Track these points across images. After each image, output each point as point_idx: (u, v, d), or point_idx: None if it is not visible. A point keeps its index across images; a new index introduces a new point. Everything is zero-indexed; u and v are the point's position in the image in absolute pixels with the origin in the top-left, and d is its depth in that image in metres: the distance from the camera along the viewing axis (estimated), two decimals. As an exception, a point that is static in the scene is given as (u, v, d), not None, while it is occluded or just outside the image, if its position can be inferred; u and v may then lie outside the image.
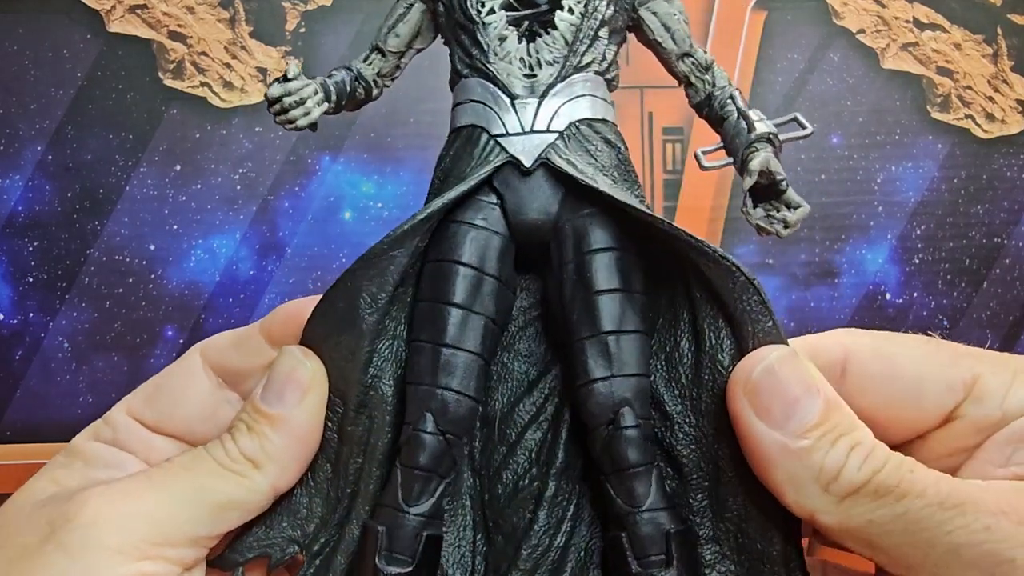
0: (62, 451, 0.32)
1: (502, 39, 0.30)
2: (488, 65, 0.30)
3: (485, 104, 0.30)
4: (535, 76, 0.30)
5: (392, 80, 0.35)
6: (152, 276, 0.64)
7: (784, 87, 0.67)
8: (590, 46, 0.30)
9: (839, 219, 0.67)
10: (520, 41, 0.30)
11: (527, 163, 0.29)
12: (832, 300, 0.67)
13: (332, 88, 0.35)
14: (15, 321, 0.64)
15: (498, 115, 0.30)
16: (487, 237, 0.30)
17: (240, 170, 0.65)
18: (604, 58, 0.31)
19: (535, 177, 0.30)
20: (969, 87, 0.68)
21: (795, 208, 0.30)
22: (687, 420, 0.29)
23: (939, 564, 0.25)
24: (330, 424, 0.30)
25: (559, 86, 0.30)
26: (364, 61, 0.35)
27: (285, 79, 0.34)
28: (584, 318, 0.29)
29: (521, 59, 0.30)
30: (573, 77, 0.30)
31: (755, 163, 0.29)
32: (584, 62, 0.30)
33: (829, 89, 0.67)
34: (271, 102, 0.33)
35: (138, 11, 0.65)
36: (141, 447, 0.32)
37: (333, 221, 0.65)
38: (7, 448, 0.63)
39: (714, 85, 0.32)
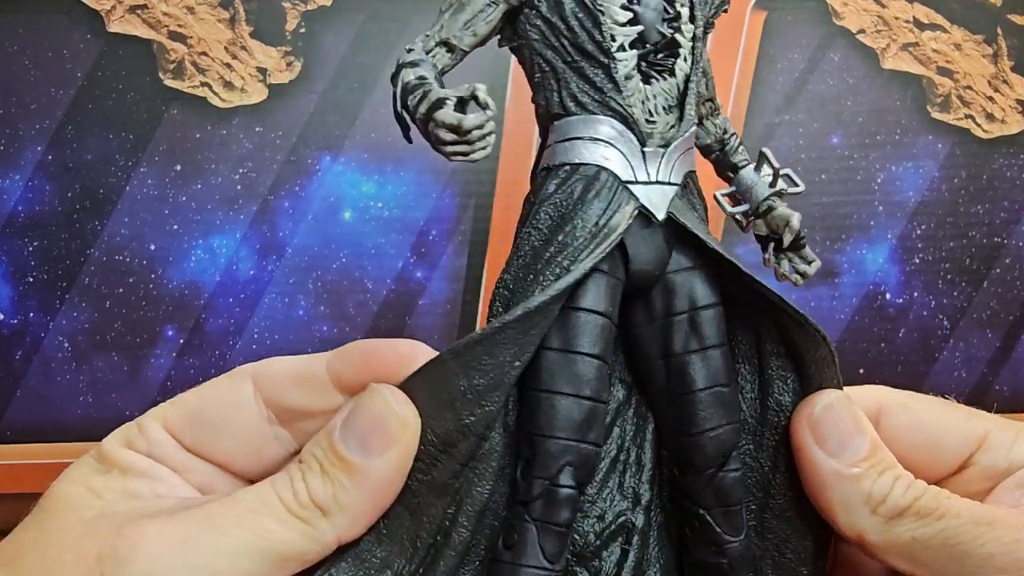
0: (91, 452, 0.30)
1: (628, 78, 0.29)
2: (622, 104, 0.29)
3: (614, 146, 0.29)
4: (655, 122, 0.29)
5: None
6: (152, 276, 0.64)
7: (784, 87, 0.67)
8: (694, 94, 0.30)
9: (839, 219, 0.67)
10: (640, 83, 0.29)
11: (659, 216, 0.29)
12: (832, 300, 0.67)
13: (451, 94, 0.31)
14: (15, 321, 0.64)
15: (629, 161, 0.29)
16: (614, 284, 0.29)
17: (240, 170, 0.65)
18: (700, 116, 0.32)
19: (656, 227, 0.29)
20: (969, 87, 0.68)
21: (811, 263, 0.34)
22: (748, 453, 0.32)
23: (975, 571, 0.29)
24: (418, 474, 0.28)
25: (680, 138, 0.29)
26: (428, 53, 0.30)
27: (480, 105, 0.27)
28: (700, 370, 0.30)
29: (642, 102, 0.29)
30: (691, 129, 0.30)
31: (795, 221, 0.33)
32: (693, 112, 0.30)
33: (829, 89, 0.67)
34: (458, 130, 0.26)
35: (138, 11, 0.65)
36: (180, 466, 0.29)
37: (333, 221, 0.65)
38: (7, 448, 0.63)
39: (725, 131, 0.34)
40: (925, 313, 0.68)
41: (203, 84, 0.65)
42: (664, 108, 0.29)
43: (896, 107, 0.67)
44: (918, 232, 0.67)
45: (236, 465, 0.30)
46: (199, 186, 0.64)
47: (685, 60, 0.29)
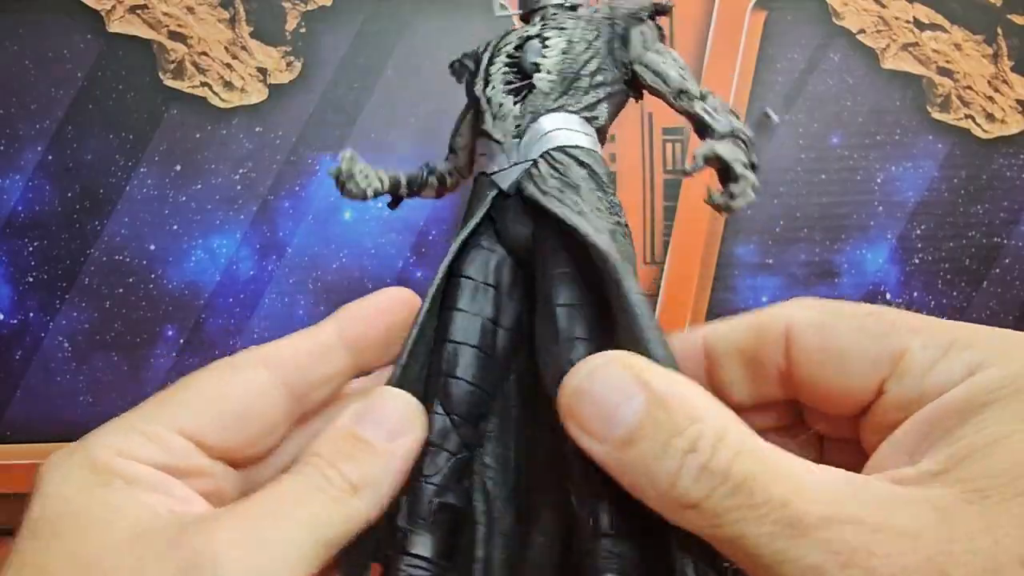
0: (77, 462, 0.28)
1: (501, 104, 0.36)
2: (486, 126, 0.36)
3: (486, 155, 0.37)
4: (520, 126, 0.35)
5: (470, 171, 0.41)
6: (152, 276, 0.64)
7: (784, 87, 0.67)
8: (568, 96, 0.36)
9: (839, 219, 0.67)
10: (514, 104, 0.36)
11: (503, 186, 0.36)
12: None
13: (403, 175, 0.43)
14: (15, 321, 0.64)
15: (493, 160, 0.36)
16: (493, 257, 0.36)
17: (240, 170, 0.65)
18: (585, 105, 0.36)
19: (514, 199, 0.35)
20: (969, 87, 0.68)
21: (734, 196, 0.34)
22: None
23: None
24: None
25: (533, 125, 0.35)
26: (445, 160, 0.43)
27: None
28: (563, 317, 0.33)
29: (514, 116, 0.36)
30: (544, 117, 0.35)
31: (719, 149, 0.35)
32: (555, 106, 0.35)
33: (829, 89, 0.67)
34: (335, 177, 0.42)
35: (138, 11, 0.65)
36: (194, 472, 0.29)
37: (333, 221, 0.65)
38: (7, 448, 0.63)
39: (705, 111, 0.38)
40: (925, 313, 0.68)
41: (203, 84, 0.65)
42: (531, 112, 0.36)
43: (896, 107, 0.67)
44: (918, 232, 0.67)
45: (254, 459, 0.30)
46: (199, 186, 0.64)
47: (548, 72, 0.36)
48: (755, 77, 0.67)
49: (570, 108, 0.35)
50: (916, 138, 0.68)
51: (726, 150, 0.35)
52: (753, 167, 0.35)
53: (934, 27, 0.68)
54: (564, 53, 0.36)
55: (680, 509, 0.23)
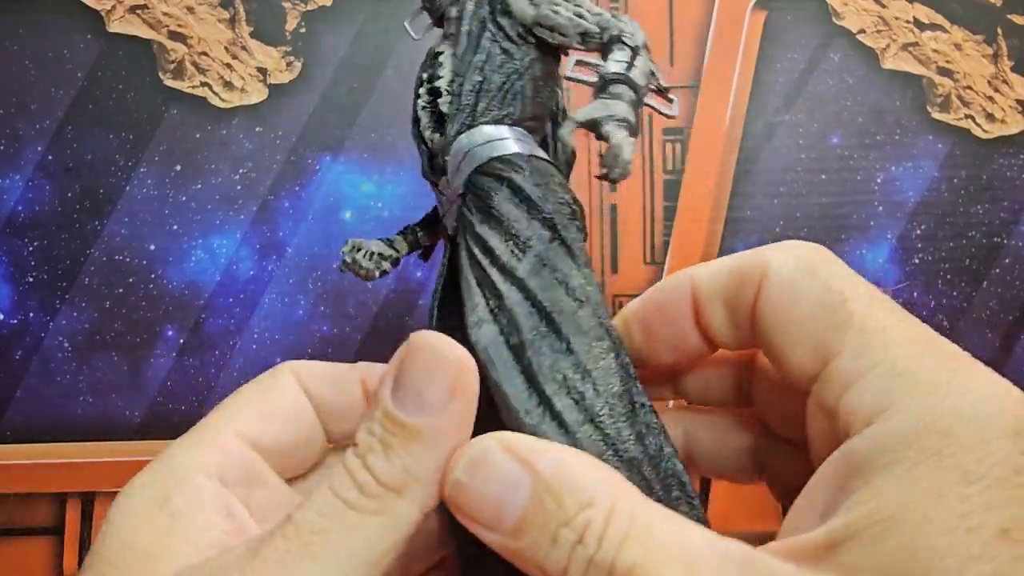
0: (148, 482, 0.27)
1: (432, 142, 0.33)
2: (423, 170, 0.34)
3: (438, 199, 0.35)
4: (446, 159, 0.33)
5: None
6: (152, 276, 0.64)
7: (784, 87, 0.67)
8: (482, 107, 0.32)
9: (838, 219, 0.67)
10: (441, 138, 0.33)
11: (452, 235, 0.33)
12: (832, 300, 0.67)
13: (402, 243, 0.40)
14: (15, 321, 0.64)
15: (440, 203, 0.34)
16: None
17: (240, 170, 0.65)
18: (502, 108, 0.32)
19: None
20: (969, 87, 0.68)
21: (611, 159, 0.30)
22: None
23: None
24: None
25: (451, 153, 0.32)
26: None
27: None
28: None
29: (442, 151, 0.33)
30: (456, 139, 0.32)
31: (578, 113, 0.31)
32: (470, 124, 0.32)
33: (829, 89, 0.67)
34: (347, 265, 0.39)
35: (138, 11, 0.65)
36: (258, 486, 0.28)
37: (333, 221, 0.65)
38: (7, 448, 0.63)
39: (621, 32, 0.34)
40: (924, 313, 0.68)
41: (203, 84, 0.65)
42: (431, 130, 0.33)
43: (896, 107, 0.67)
44: (918, 232, 0.67)
45: (301, 468, 0.30)
46: (199, 186, 0.64)
47: (447, 93, 0.33)
48: (755, 77, 0.67)
49: (484, 119, 0.32)
50: (916, 138, 0.68)
51: (597, 108, 0.30)
52: (631, 119, 0.31)
53: (934, 27, 0.68)
54: (455, 67, 0.32)
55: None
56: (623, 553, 0.21)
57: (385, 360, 0.27)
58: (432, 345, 0.24)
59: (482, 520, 0.23)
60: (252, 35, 0.65)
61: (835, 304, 0.24)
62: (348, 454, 0.24)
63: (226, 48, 0.65)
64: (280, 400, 0.30)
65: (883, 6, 0.68)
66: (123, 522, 0.26)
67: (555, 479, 0.22)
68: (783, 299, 0.25)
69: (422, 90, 0.33)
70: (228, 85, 0.65)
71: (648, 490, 0.26)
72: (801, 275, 0.25)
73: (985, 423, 0.20)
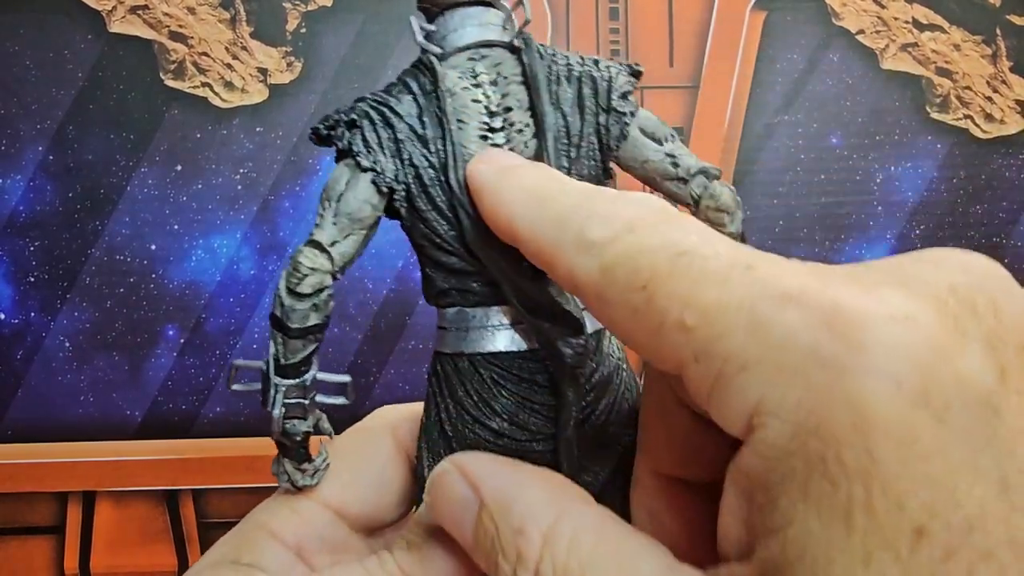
0: (226, 555, 0.28)
1: None
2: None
3: None
4: None
5: None
6: (153, 276, 0.64)
7: (784, 87, 0.67)
8: None
9: (839, 219, 0.67)
10: None
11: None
12: (831, 300, 0.67)
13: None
14: (16, 321, 0.64)
15: None
16: None
17: (241, 170, 0.65)
18: None
19: None
20: (968, 87, 0.68)
21: None
22: None
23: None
24: None
25: None
26: None
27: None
28: None
29: None
30: None
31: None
32: None
33: (829, 89, 0.67)
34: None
35: (139, 11, 0.65)
36: (338, 551, 0.28)
37: (333, 221, 0.65)
38: (8, 448, 0.63)
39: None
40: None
41: (204, 84, 0.65)
42: None
43: (895, 107, 0.68)
44: (917, 232, 0.68)
45: (386, 525, 0.30)
46: (200, 186, 0.64)
47: None
48: (755, 77, 0.67)
49: None
50: (915, 138, 0.68)
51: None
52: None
53: (933, 27, 0.69)
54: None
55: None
56: None
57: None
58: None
59: (451, 532, 0.23)
60: (253, 35, 0.65)
61: (644, 305, 0.19)
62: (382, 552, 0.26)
63: (227, 48, 0.65)
64: (372, 460, 0.30)
65: (882, 7, 0.68)
66: (194, 571, 0.27)
67: (493, 503, 0.22)
68: (605, 321, 0.21)
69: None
70: (229, 85, 0.65)
71: None
72: (599, 276, 0.21)
73: (857, 397, 0.16)
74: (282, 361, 0.26)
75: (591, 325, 0.27)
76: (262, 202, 0.65)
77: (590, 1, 0.64)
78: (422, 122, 0.27)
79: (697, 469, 0.24)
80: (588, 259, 0.21)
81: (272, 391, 0.26)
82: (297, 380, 0.26)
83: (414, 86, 0.27)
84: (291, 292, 0.26)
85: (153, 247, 0.64)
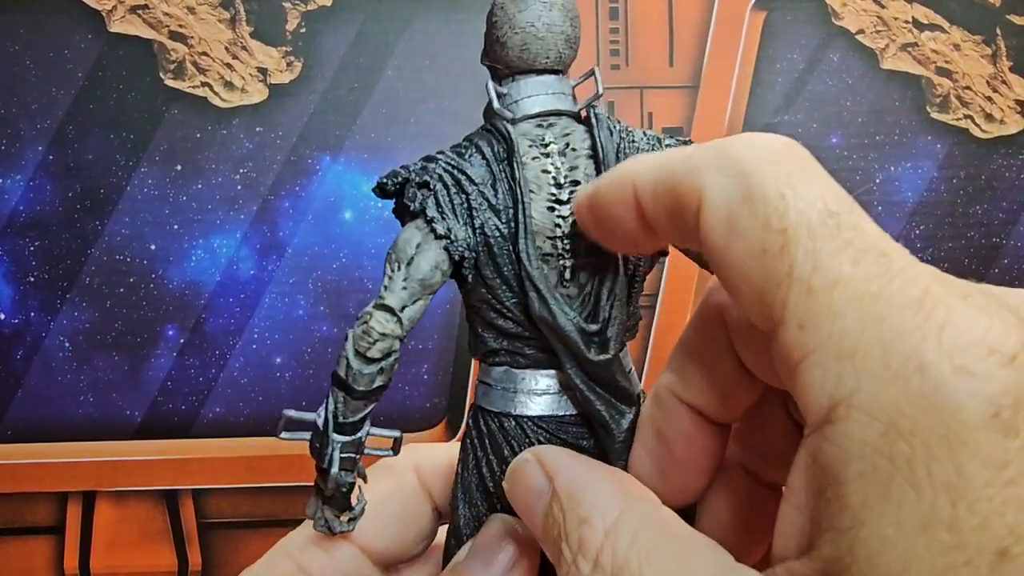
0: None
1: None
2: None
3: None
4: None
5: None
6: (153, 276, 0.64)
7: (784, 87, 0.67)
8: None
9: (838, 219, 0.67)
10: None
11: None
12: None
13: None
14: (16, 321, 0.64)
15: None
16: None
17: (241, 170, 0.65)
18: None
19: None
20: (968, 87, 0.68)
21: None
22: None
23: None
24: None
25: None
26: None
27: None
28: None
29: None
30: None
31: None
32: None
33: (829, 89, 0.67)
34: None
35: (139, 11, 0.65)
36: None
37: (333, 221, 0.65)
38: (7, 448, 0.63)
39: None
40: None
41: (204, 84, 0.65)
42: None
43: (895, 107, 0.68)
44: (917, 232, 0.68)
45: (408, 560, 0.31)
46: (199, 186, 0.64)
47: None
48: (755, 77, 0.67)
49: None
50: (915, 138, 0.68)
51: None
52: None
53: (933, 27, 0.69)
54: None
55: None
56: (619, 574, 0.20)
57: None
58: (503, 520, 0.27)
59: (524, 518, 0.24)
60: (252, 35, 0.65)
61: (775, 248, 0.19)
62: None
63: (226, 48, 0.65)
64: (397, 499, 0.31)
65: (882, 6, 0.68)
66: None
67: (564, 493, 0.23)
68: (718, 240, 0.20)
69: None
70: (228, 85, 0.65)
71: None
72: (738, 206, 0.20)
73: (953, 414, 0.17)
74: (340, 419, 0.26)
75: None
76: (262, 202, 0.65)
77: (590, 1, 0.64)
78: (495, 190, 0.27)
79: (719, 408, 0.25)
80: (726, 180, 0.20)
81: (329, 448, 0.26)
82: (354, 437, 0.27)
83: (487, 151, 0.27)
84: (360, 356, 0.26)
85: (153, 247, 0.64)
